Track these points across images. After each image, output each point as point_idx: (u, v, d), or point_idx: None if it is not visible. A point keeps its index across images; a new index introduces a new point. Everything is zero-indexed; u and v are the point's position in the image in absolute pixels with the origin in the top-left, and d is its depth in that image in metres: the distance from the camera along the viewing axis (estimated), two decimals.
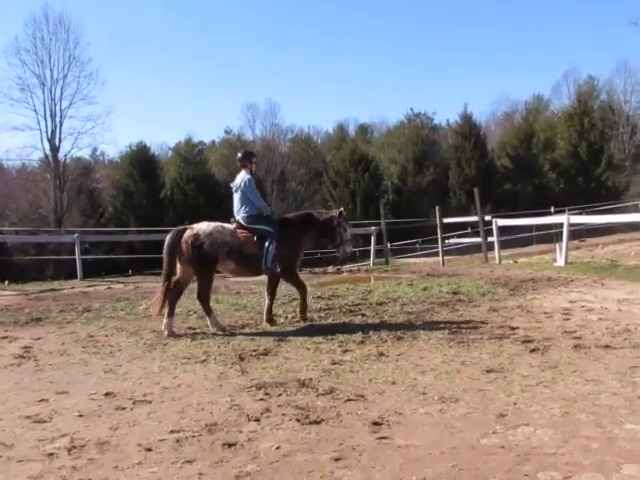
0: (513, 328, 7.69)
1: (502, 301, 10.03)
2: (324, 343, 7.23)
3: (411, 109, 55.80)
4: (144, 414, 4.84)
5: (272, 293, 8.69)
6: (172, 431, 4.39)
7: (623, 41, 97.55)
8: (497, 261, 17.34)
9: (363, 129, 68.60)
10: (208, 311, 8.24)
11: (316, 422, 4.46)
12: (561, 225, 15.28)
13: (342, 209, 9.37)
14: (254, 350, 6.95)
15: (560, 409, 4.57)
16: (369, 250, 21.89)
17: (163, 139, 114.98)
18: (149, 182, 42.86)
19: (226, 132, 59.73)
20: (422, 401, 4.90)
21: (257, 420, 4.58)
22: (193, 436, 4.28)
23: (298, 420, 4.52)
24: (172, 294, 8.11)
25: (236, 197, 8.68)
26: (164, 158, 56.20)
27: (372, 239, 21.31)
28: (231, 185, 8.89)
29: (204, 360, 6.59)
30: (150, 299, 9.34)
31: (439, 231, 19.58)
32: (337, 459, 3.79)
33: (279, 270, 8.40)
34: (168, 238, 8.18)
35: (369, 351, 6.74)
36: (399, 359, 6.36)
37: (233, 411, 4.82)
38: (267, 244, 8.26)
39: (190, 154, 48.97)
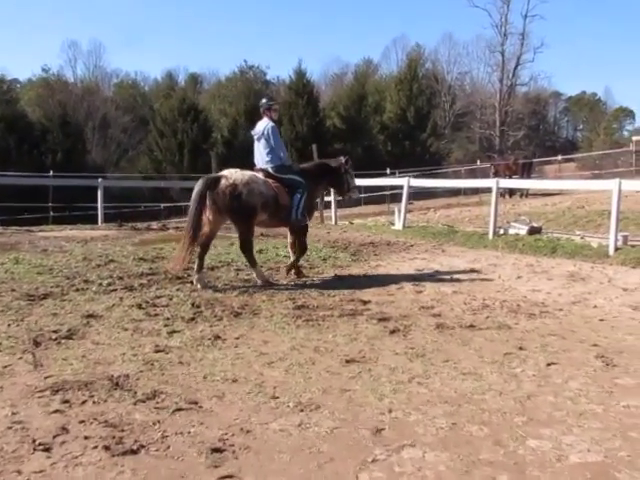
0: (365, 302, 6.82)
1: (346, 268, 9.21)
2: (145, 321, 5.90)
3: (245, 61, 54.09)
4: None
5: (301, 247, 8.52)
6: None
7: (450, 13, 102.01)
8: (333, 222, 16.68)
9: (193, 79, 65.57)
10: (253, 263, 7.96)
11: (132, 451, 3.19)
12: (394, 187, 14.85)
13: (347, 157, 9.10)
14: (55, 331, 5.44)
15: (445, 418, 3.68)
16: None
17: None
18: None
19: (44, 70, 54.11)
20: (274, 409, 3.79)
21: (47, 450, 3.22)
22: None
23: (107, 448, 3.22)
24: (202, 247, 7.84)
25: (259, 145, 8.38)
26: None
27: None
28: (252, 133, 8.57)
29: None
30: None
31: None
32: None
33: (305, 222, 8.37)
34: (199, 186, 7.56)
35: (202, 332, 5.53)
36: (239, 344, 5.21)
37: (13, 434, 3.41)
38: (299, 195, 8.07)
39: None
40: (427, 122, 49.31)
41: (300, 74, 47.33)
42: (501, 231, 12.13)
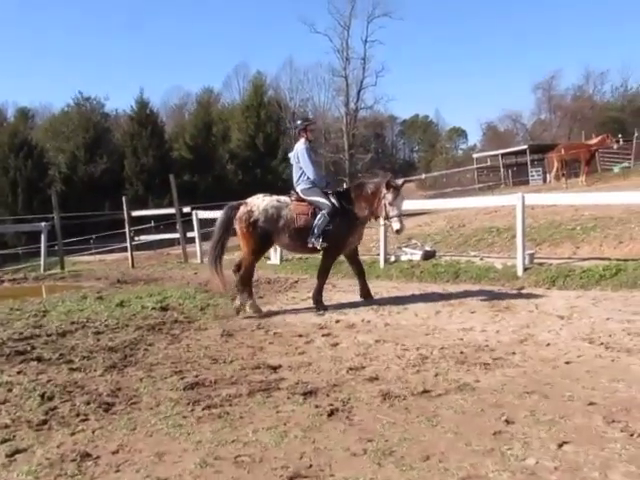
0: (274, 368, 5.29)
1: (232, 318, 7.63)
2: None
3: (80, 93, 50.33)
4: None
5: (322, 273, 8.08)
6: None
7: (290, 39, 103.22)
8: (199, 260, 14.87)
9: (24, 113, 60.48)
10: (247, 292, 7.87)
11: None
12: None
13: (390, 174, 8.63)
14: None
15: None
16: (38, 251, 17.73)
17: None
18: None
19: None
20: None
21: None
22: None
23: None
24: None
25: (294, 168, 8.11)
26: None
27: (42, 237, 17.04)
28: (289, 155, 8.32)
29: None
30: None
31: (127, 225, 16.51)
32: None
33: (321, 247, 7.78)
34: (222, 214, 7.98)
35: (60, 449, 3.75)
36: (120, 465, 3.50)
37: None
38: (320, 217, 7.69)
39: None
40: (277, 148, 48.49)
41: (142, 104, 44.97)
42: (392, 258, 11.04)
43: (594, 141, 23.98)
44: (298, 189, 7.98)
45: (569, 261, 9.40)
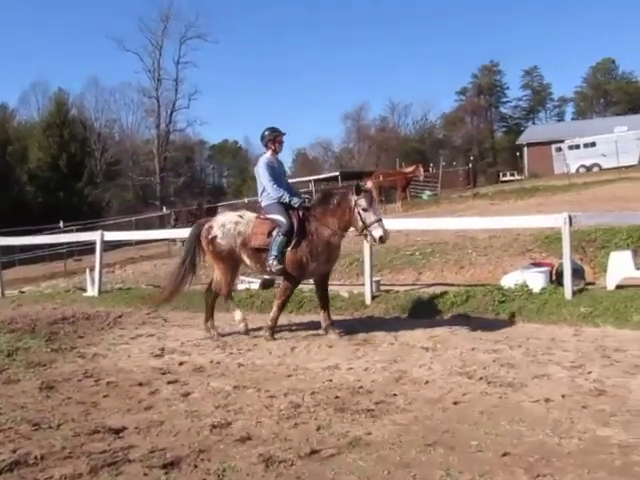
0: (118, 432, 4.23)
1: (50, 365, 6.33)
2: None
3: None
4: None
5: (278, 301, 7.29)
6: None
7: (95, 56, 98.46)
8: (0, 294, 12.85)
9: None
10: (232, 306, 7.56)
11: None
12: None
13: (360, 182, 7.75)
14: None
15: None
16: None
17: None
18: None
19: None
20: None
21: None
22: None
23: None
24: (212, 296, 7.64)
25: (258, 182, 7.40)
26: None
27: None
28: (254, 170, 7.57)
29: None
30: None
31: None
32: None
33: (276, 270, 7.02)
34: (190, 231, 7.90)
35: None
36: None
37: None
38: (275, 237, 6.94)
39: None
40: (83, 170, 45.46)
41: None
42: None
43: (409, 169, 25.05)
44: (262, 205, 7.32)
45: (414, 287, 9.21)
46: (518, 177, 46.80)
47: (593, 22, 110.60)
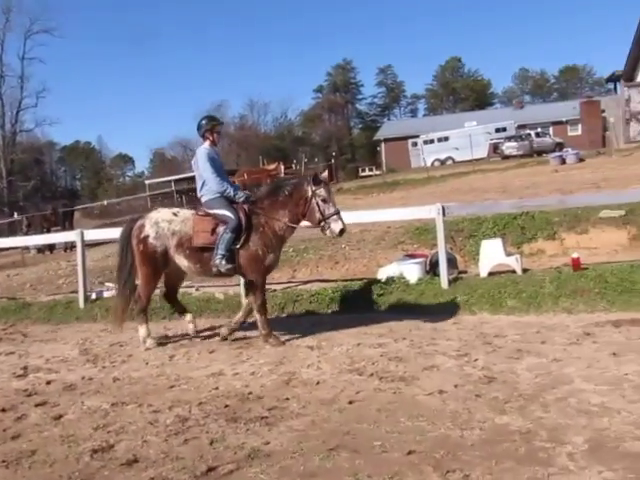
0: None
1: None
2: None
3: None
4: None
5: (258, 306, 6.54)
6: None
7: None
8: None
9: None
10: (140, 320, 6.88)
11: None
12: None
13: (319, 171, 6.82)
14: None
15: None
16: None
17: None
18: None
19: None
20: None
21: None
22: None
23: None
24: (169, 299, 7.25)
25: (196, 176, 6.84)
26: None
27: None
28: (192, 162, 7.06)
29: None
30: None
31: None
32: None
33: (226, 269, 6.34)
34: (121, 230, 7.12)
35: None
36: None
37: None
38: (222, 234, 6.32)
39: None
40: None
41: None
42: (93, 295, 9.50)
43: (272, 166, 25.12)
44: (202, 201, 6.72)
45: (291, 285, 9.06)
46: (377, 172, 48.10)
47: (442, 22, 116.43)
